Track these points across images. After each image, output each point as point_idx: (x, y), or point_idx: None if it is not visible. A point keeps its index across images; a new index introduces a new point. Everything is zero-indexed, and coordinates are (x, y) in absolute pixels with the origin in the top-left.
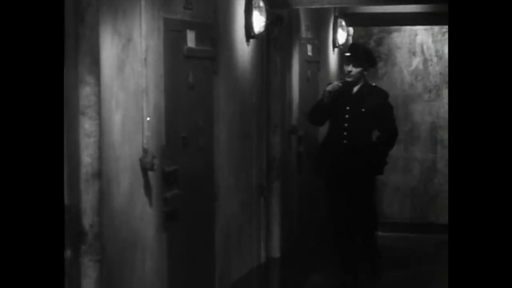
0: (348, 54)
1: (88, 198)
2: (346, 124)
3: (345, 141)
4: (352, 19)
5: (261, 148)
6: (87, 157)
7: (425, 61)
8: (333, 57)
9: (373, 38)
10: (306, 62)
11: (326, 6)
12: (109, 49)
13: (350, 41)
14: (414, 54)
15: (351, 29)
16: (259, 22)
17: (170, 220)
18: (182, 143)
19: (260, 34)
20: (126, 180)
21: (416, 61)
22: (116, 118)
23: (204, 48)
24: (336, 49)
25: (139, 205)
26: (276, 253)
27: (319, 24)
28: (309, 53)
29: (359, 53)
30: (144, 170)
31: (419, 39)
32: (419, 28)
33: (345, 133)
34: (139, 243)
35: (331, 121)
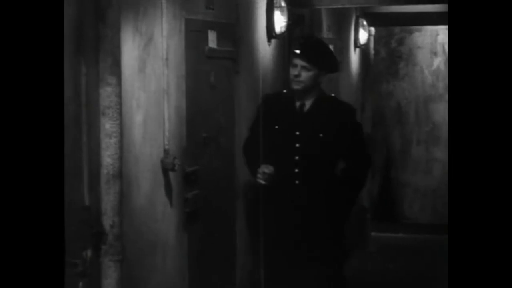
0: (297, 50)
1: (108, 199)
2: (297, 157)
3: (297, 182)
4: (374, 19)
5: None
6: (107, 157)
7: (447, 61)
8: (354, 57)
9: (394, 38)
10: None
11: (348, 6)
12: (130, 49)
13: (372, 41)
14: (435, 54)
15: (372, 29)
16: (280, 22)
17: (191, 220)
18: (203, 144)
19: (282, 34)
20: (147, 180)
21: (438, 61)
22: (137, 119)
23: (225, 49)
24: (357, 49)
25: (160, 206)
26: None
27: (341, 24)
28: None
29: (315, 50)
30: (165, 170)
31: (440, 38)
32: (440, 28)
33: (296, 170)
34: (160, 244)
35: (274, 153)
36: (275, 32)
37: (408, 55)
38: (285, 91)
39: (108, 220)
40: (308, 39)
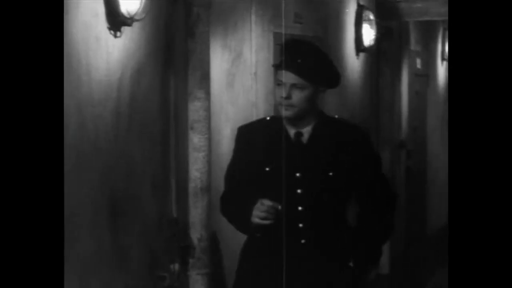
0: (277, 63)
1: (196, 212)
2: (300, 208)
3: (303, 241)
4: None
5: None
6: (195, 171)
7: None
8: (441, 70)
9: None
10: (415, 75)
11: (436, 18)
12: (219, 63)
13: None
14: None
15: None
16: (369, 35)
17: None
18: None
19: (370, 47)
20: None
21: None
22: (225, 133)
23: None
24: (444, 62)
25: None
26: (385, 269)
27: (428, 36)
28: (418, 66)
29: (308, 58)
30: None
31: None
32: None
33: (300, 225)
34: None
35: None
36: (363, 45)
37: None
38: (268, 118)
39: (195, 233)
40: (295, 44)
